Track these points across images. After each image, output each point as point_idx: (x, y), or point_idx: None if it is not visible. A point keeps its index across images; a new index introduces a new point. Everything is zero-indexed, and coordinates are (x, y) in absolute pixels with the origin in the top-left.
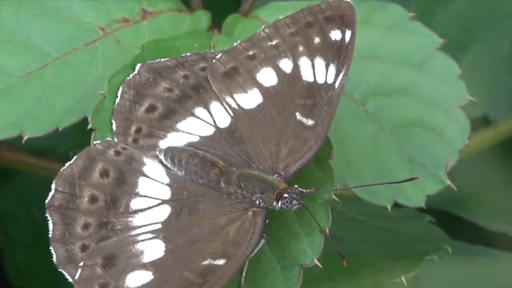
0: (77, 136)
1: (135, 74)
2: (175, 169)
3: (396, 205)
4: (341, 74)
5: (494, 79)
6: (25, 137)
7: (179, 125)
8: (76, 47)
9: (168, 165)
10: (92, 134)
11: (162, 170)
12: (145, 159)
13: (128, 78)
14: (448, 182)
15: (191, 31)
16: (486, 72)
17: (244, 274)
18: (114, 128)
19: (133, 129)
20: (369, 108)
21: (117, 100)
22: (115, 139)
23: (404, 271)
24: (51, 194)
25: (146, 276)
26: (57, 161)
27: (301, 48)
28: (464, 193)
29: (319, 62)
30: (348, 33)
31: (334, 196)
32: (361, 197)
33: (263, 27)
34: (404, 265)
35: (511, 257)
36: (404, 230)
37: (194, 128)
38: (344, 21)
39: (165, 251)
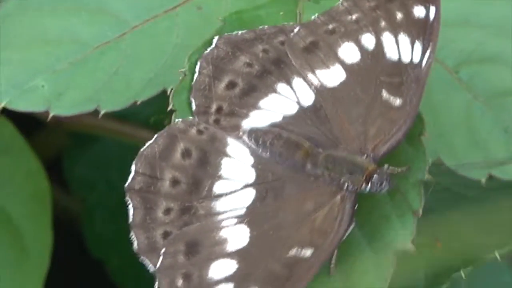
0: (160, 100)
1: (213, 47)
2: (260, 150)
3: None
4: (428, 52)
5: None
6: (102, 112)
7: (261, 103)
8: (155, 14)
9: (252, 146)
10: (173, 115)
11: (246, 150)
12: (229, 139)
13: (206, 52)
14: None
15: None
16: None
17: (333, 261)
18: (193, 107)
19: (213, 107)
20: (462, 76)
21: (195, 76)
22: (196, 119)
23: (498, 245)
24: (131, 176)
25: (231, 266)
26: (139, 126)
27: (383, 23)
28: None
29: (403, 38)
30: (432, 9)
31: (427, 175)
32: (454, 170)
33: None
34: (498, 239)
35: None
36: (498, 200)
37: (277, 105)
38: None
39: (249, 238)
